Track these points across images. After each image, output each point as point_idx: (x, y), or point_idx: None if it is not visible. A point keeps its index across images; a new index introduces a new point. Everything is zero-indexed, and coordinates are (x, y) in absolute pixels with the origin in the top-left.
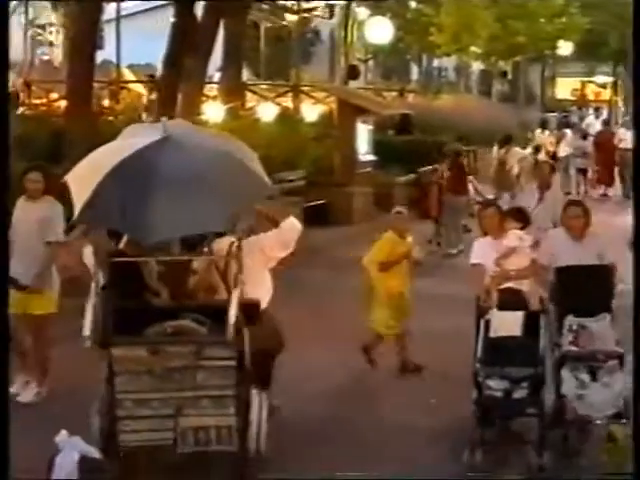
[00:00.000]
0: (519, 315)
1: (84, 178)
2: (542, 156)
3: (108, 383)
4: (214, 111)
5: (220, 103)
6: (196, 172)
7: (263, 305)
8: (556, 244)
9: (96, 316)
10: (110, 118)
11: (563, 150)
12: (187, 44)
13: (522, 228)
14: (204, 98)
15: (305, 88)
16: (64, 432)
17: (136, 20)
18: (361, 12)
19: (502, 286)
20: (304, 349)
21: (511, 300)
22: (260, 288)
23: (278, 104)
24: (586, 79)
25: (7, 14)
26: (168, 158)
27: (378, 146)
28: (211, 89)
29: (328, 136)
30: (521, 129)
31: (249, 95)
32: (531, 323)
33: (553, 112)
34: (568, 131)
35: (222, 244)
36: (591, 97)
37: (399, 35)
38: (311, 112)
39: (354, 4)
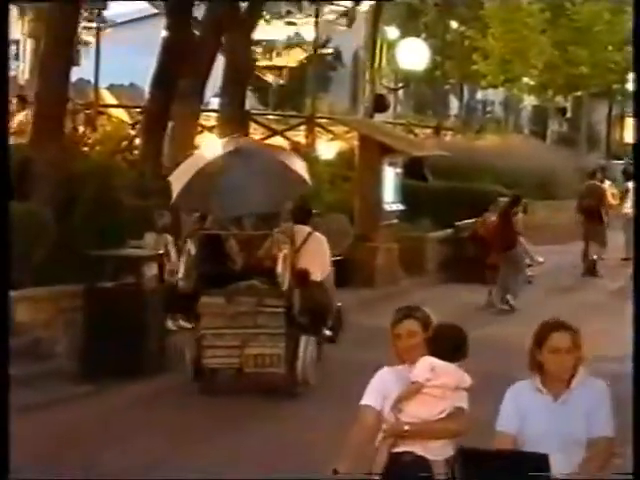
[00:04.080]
0: None
1: (179, 178)
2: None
3: (195, 324)
4: (211, 145)
5: (218, 135)
6: (253, 172)
7: (317, 277)
8: (522, 402)
9: (188, 273)
10: (85, 149)
11: (627, 207)
12: (181, 63)
13: (454, 355)
14: (199, 128)
15: (322, 120)
16: None
17: (120, 32)
18: (391, 31)
19: (396, 448)
20: None
21: (405, 475)
22: (316, 267)
23: (289, 139)
24: None
25: (7, 14)
26: (237, 163)
27: (408, 193)
28: (208, 118)
29: (347, 179)
30: (579, 178)
31: (254, 127)
32: None
33: (620, 159)
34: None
35: (301, 231)
36: None
37: (436, 61)
38: (328, 149)
39: (383, 22)
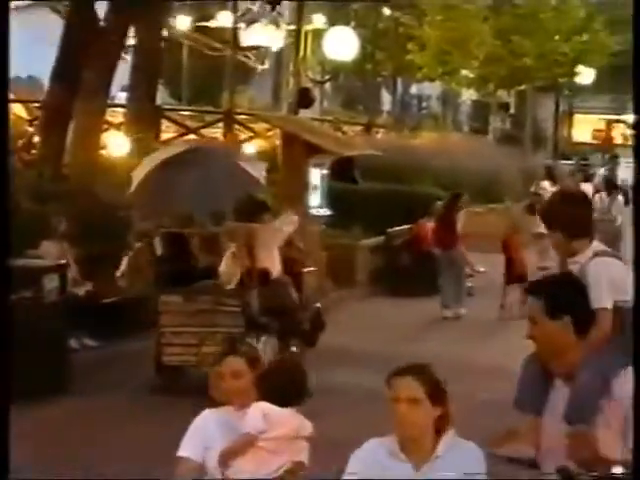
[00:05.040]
0: None
1: (137, 177)
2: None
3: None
4: (117, 144)
5: (126, 133)
6: (204, 172)
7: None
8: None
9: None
10: None
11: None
12: (85, 53)
13: (292, 399)
14: (105, 125)
15: (241, 117)
16: None
17: (15, 17)
18: (318, 19)
19: None
20: None
21: None
22: (275, 264)
23: (204, 137)
24: (613, 117)
25: (7, 14)
26: (190, 163)
27: (336, 197)
28: (115, 114)
29: (268, 182)
30: (524, 180)
31: (166, 124)
32: None
33: (568, 159)
34: (585, 185)
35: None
36: (619, 140)
37: (367, 51)
38: (248, 149)
39: (308, 8)
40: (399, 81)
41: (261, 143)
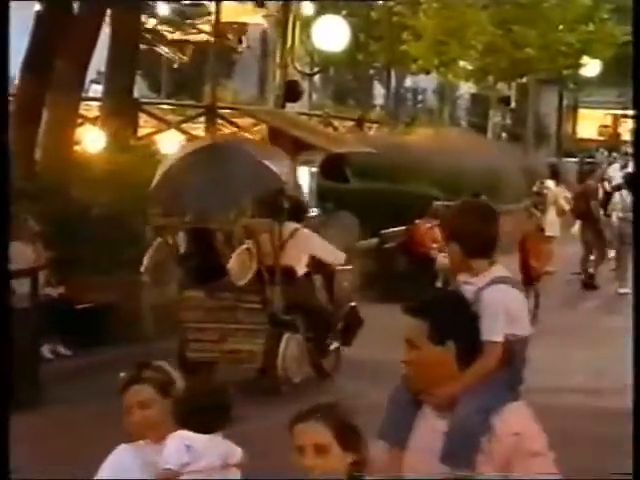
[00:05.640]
0: None
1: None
2: (549, 221)
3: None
4: (92, 139)
5: (102, 128)
6: (222, 168)
7: (300, 273)
8: None
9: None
10: None
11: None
12: (57, 42)
13: (216, 423)
14: (80, 120)
15: (224, 111)
16: None
17: None
18: (306, 7)
19: None
20: None
21: None
22: (302, 264)
23: (186, 132)
24: (620, 112)
25: (7, 14)
26: (209, 158)
27: (325, 196)
28: (90, 108)
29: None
30: (526, 179)
31: (144, 118)
32: None
33: (573, 157)
34: (591, 182)
35: (288, 227)
36: (626, 137)
37: (359, 41)
38: None
39: None
40: (393, 73)
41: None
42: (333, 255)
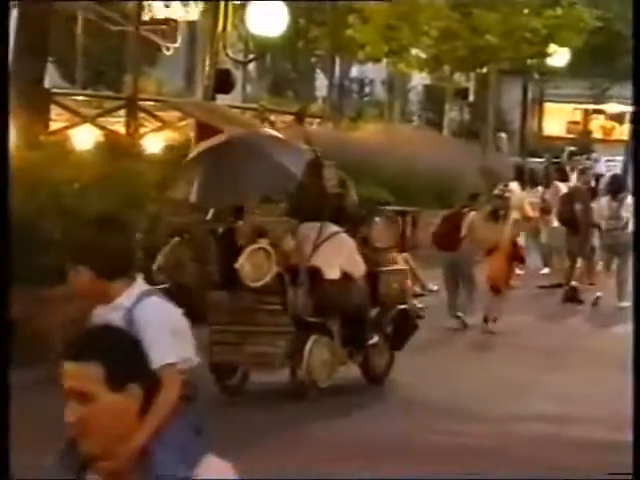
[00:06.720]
0: None
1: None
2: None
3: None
4: None
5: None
6: (235, 164)
7: (331, 276)
8: None
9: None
10: None
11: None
12: None
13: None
14: None
15: (146, 104)
16: None
17: None
18: None
19: None
20: None
21: None
22: (334, 266)
23: (103, 127)
24: (591, 106)
25: (7, 14)
26: (223, 155)
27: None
28: None
29: (182, 181)
30: (486, 181)
31: (57, 111)
32: None
33: (538, 157)
34: (561, 185)
35: (326, 228)
36: (597, 134)
37: (299, 26)
38: (155, 142)
39: None
40: (337, 62)
41: (171, 135)
42: (356, 266)
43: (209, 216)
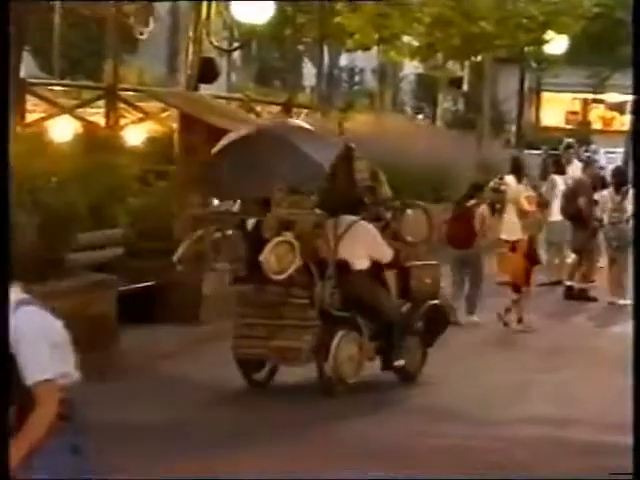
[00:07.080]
0: None
1: None
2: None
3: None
4: None
5: None
6: (259, 157)
7: (360, 267)
8: None
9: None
10: None
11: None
12: None
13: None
14: None
15: (127, 94)
16: None
17: None
18: None
19: None
20: None
21: None
22: (359, 257)
23: (82, 119)
24: (590, 96)
25: (7, 14)
26: (247, 146)
27: None
28: None
29: (163, 175)
30: (482, 174)
31: (33, 101)
32: None
33: (536, 148)
34: (558, 178)
35: (344, 220)
36: (597, 125)
37: (286, 13)
38: (136, 133)
39: None
40: (325, 50)
41: (153, 126)
42: (382, 252)
43: (236, 208)
